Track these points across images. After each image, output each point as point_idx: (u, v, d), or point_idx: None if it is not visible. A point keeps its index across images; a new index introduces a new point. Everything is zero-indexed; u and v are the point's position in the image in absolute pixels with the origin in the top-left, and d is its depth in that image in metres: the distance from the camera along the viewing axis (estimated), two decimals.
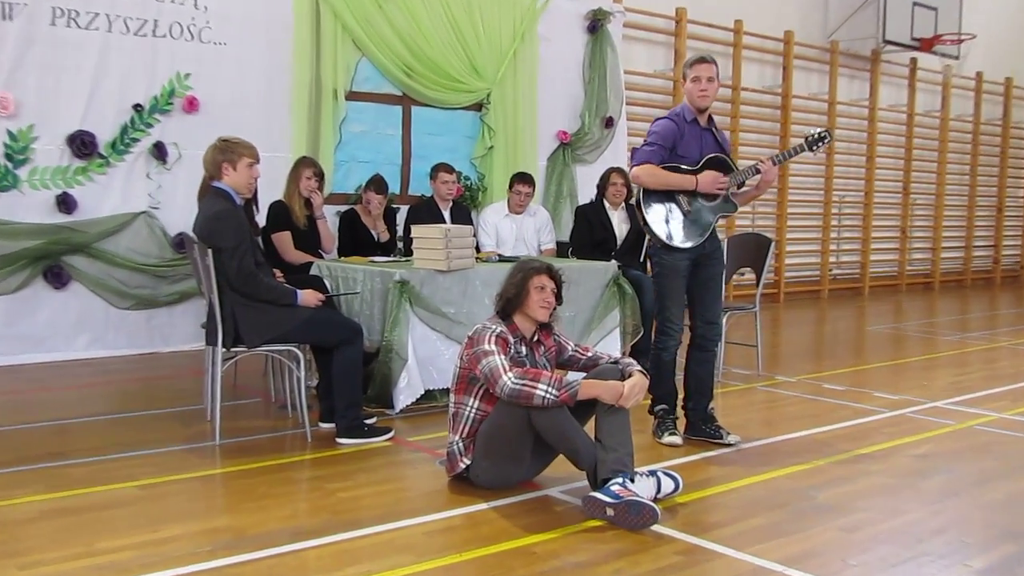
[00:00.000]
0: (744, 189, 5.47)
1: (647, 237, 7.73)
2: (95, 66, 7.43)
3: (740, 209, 5.52)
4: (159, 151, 7.67)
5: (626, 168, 7.91)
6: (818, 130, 5.43)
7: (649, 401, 5.40)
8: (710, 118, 5.33)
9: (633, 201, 7.71)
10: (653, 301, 7.12)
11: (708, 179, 5.17)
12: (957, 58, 15.00)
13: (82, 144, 7.37)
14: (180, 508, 4.13)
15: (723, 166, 5.25)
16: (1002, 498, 4.44)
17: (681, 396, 5.46)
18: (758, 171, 5.26)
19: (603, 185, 7.80)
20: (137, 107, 7.59)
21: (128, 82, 7.56)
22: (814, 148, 5.40)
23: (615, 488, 3.94)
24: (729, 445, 5.24)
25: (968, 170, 16.52)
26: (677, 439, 5.25)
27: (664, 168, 5.15)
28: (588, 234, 7.72)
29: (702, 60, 5.23)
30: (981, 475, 4.79)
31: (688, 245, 5.20)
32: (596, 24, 10.29)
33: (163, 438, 5.24)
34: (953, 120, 15.88)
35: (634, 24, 11.19)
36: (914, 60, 14.84)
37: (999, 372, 7.90)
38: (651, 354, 5.43)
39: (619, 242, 7.66)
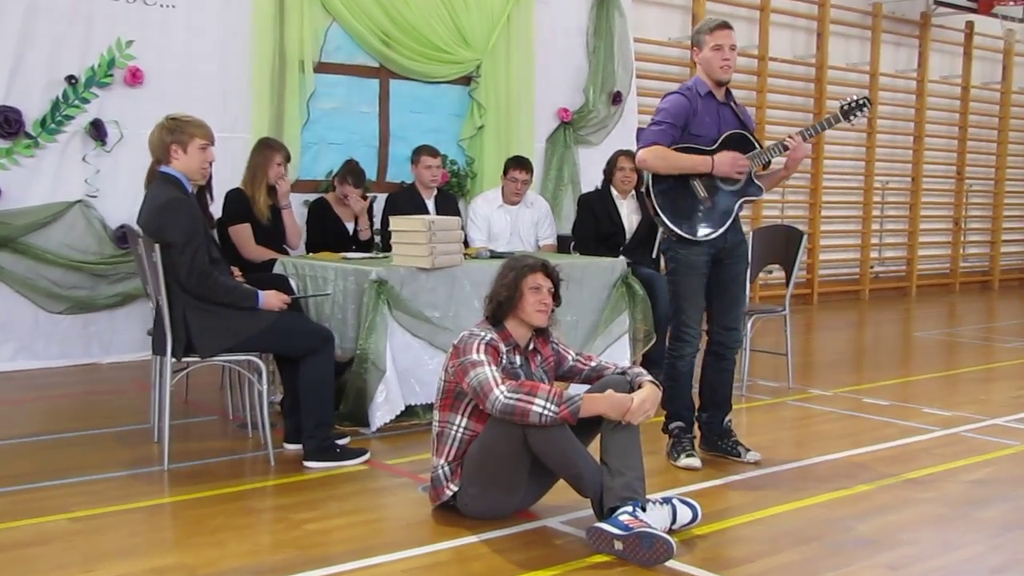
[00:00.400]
0: (770, 170, 5.48)
1: (660, 230, 7.79)
2: (20, 31, 7.42)
3: (767, 197, 5.55)
4: (97, 130, 7.67)
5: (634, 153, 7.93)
6: (855, 97, 5.42)
7: (663, 418, 5.42)
8: (728, 92, 5.34)
9: (642, 188, 7.81)
10: (668, 303, 7.18)
11: (726, 160, 5.17)
12: (1021, 21, 15.03)
13: (6, 122, 7.36)
14: (121, 543, 4.12)
15: (744, 144, 5.26)
16: None
17: (696, 407, 5.50)
18: (786, 148, 5.26)
19: (610, 170, 7.81)
20: (71, 79, 7.58)
21: (60, 50, 7.55)
22: (851, 118, 5.39)
23: (624, 518, 3.95)
24: (749, 464, 5.29)
25: None
26: (695, 461, 5.27)
27: (676, 149, 5.16)
28: (593, 227, 7.73)
29: (724, 25, 5.23)
30: None
31: (706, 237, 5.21)
32: None
33: (102, 462, 5.24)
34: (1015, 93, 15.92)
35: None
36: (970, 24, 14.88)
37: None
38: (665, 363, 5.44)
39: (628, 236, 7.67)
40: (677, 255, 5.28)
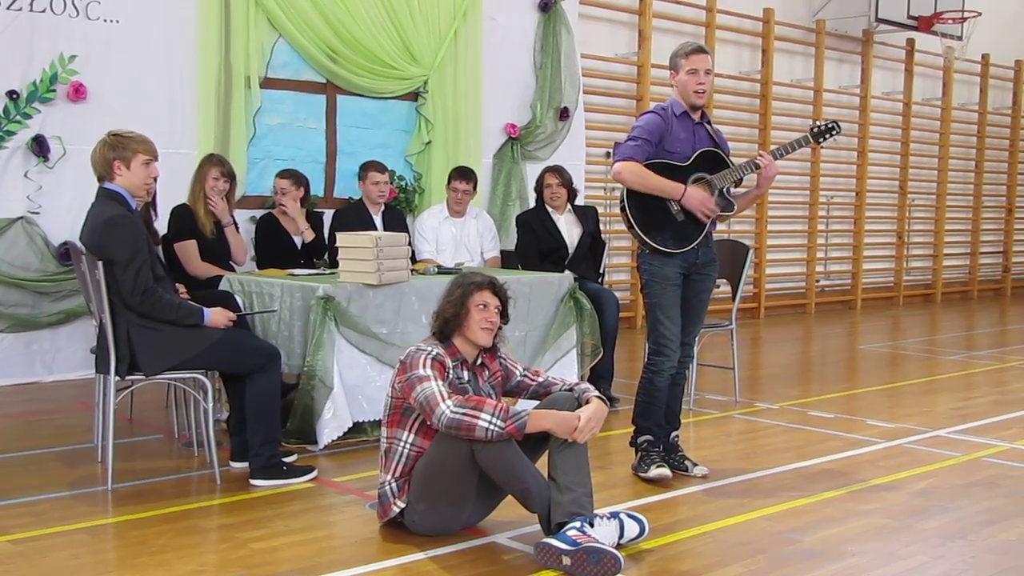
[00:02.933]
0: (743, 189, 5.56)
1: (606, 245, 7.83)
2: None
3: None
4: (39, 146, 7.58)
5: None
6: (825, 121, 5.54)
7: (631, 432, 5.48)
8: (703, 113, 5.42)
9: (577, 202, 7.86)
10: (615, 318, 7.22)
11: (696, 196, 5.22)
12: (960, 38, 15.26)
13: None
14: (63, 566, 4.07)
15: (716, 161, 5.33)
16: (1014, 539, 4.51)
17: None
18: (757, 167, 5.34)
19: (539, 188, 7.87)
20: (12, 95, 7.50)
21: (0, 65, 7.47)
22: (820, 140, 5.51)
23: (572, 533, 3.96)
24: (696, 478, 5.33)
25: (973, 166, 16.84)
26: (666, 471, 5.29)
27: (651, 165, 5.21)
28: (534, 244, 7.75)
29: (700, 50, 5.31)
30: (990, 514, 4.87)
31: (678, 250, 5.26)
32: (549, 1, 10.37)
33: (44, 483, 5.17)
34: (956, 109, 16.18)
35: (592, 1, 11.29)
36: (911, 41, 15.11)
37: (1010, 396, 8.04)
38: (642, 378, 5.44)
39: (571, 250, 7.69)
40: (651, 267, 5.32)
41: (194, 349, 5.06)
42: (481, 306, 4.39)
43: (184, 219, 6.75)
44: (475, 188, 8.18)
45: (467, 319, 4.38)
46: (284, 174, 7.42)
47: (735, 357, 7.48)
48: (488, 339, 4.43)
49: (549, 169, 7.89)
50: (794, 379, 8.98)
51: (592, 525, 4.06)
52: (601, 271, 7.83)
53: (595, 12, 11.43)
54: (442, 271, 6.85)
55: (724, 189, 5.35)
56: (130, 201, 5.08)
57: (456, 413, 4.05)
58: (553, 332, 6.82)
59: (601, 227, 8.07)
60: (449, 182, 8.10)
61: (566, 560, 3.91)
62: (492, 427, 4.02)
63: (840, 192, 14.68)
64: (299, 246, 7.41)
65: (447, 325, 4.41)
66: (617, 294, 7.65)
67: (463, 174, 8.09)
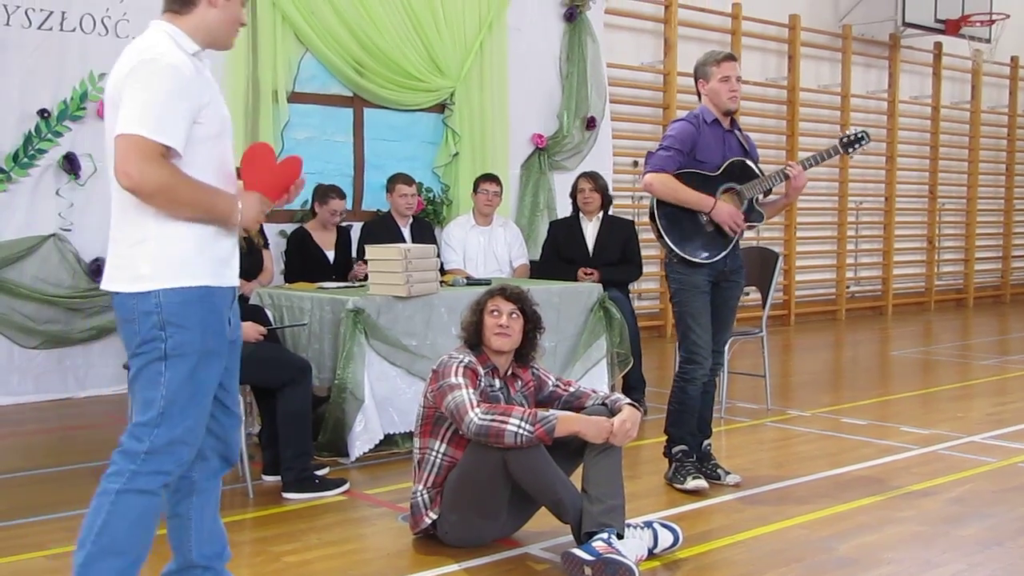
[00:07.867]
0: (772, 198, 5.56)
1: (635, 263, 7.80)
2: None
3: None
4: (70, 164, 7.64)
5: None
6: (855, 130, 5.56)
7: (664, 441, 5.47)
8: (733, 120, 5.43)
9: (611, 211, 7.85)
10: (635, 325, 7.21)
11: (725, 210, 5.24)
12: (988, 41, 15.18)
13: None
14: None
15: (746, 171, 5.35)
16: None
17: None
18: (786, 176, 5.34)
19: (573, 194, 7.86)
20: (43, 113, 7.56)
21: (32, 84, 7.54)
22: (850, 151, 5.52)
23: (597, 544, 3.96)
24: (729, 486, 5.32)
25: (1004, 169, 16.71)
26: (703, 483, 5.27)
27: (682, 175, 5.22)
28: (553, 254, 7.76)
29: (730, 57, 5.38)
30: None
31: (707, 260, 5.27)
32: (574, 11, 10.37)
33: (79, 498, 5.15)
34: (985, 112, 16.07)
35: (617, 11, 11.28)
36: (939, 45, 15.02)
37: None
38: (675, 387, 5.43)
39: (591, 255, 7.64)
40: (680, 276, 5.33)
41: None
42: (494, 312, 4.41)
43: None
44: (503, 190, 8.20)
45: (482, 326, 4.41)
46: (334, 195, 7.42)
47: (766, 364, 7.45)
48: (502, 343, 4.41)
49: (584, 175, 7.89)
50: (826, 386, 8.93)
51: (621, 537, 4.06)
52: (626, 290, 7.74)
53: (620, 21, 11.42)
54: (471, 282, 6.85)
55: (753, 199, 5.35)
56: None
57: (484, 420, 4.06)
58: (583, 342, 6.81)
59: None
60: (476, 187, 8.12)
61: (588, 570, 3.91)
62: (521, 431, 4.02)
63: (869, 197, 14.60)
64: (331, 260, 7.43)
65: (468, 333, 4.45)
66: (646, 303, 7.61)
67: (489, 178, 8.16)
